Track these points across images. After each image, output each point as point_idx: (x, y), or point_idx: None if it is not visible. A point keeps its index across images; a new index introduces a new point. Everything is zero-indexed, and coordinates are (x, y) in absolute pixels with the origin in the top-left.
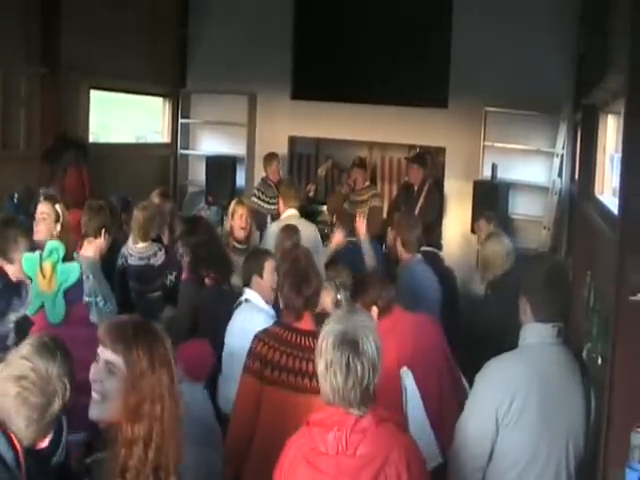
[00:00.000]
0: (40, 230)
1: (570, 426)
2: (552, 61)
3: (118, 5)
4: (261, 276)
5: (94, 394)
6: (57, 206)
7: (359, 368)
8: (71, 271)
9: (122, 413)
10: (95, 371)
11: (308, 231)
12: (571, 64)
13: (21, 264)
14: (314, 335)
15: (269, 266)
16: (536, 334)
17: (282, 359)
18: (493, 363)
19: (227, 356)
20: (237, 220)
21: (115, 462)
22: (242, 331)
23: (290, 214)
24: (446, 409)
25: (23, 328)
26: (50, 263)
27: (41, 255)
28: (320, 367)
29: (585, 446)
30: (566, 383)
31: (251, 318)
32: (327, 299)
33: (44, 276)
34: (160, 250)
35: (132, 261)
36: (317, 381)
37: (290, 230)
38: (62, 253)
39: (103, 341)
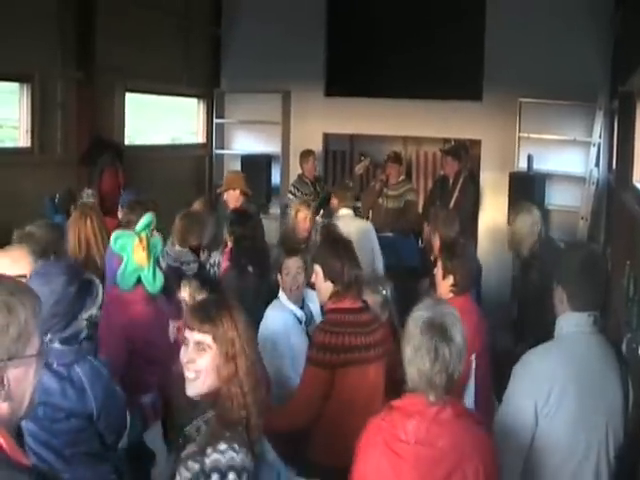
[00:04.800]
0: None
1: (609, 415)
2: (587, 49)
3: (152, 8)
4: (281, 273)
5: (188, 374)
6: None
7: (447, 353)
8: (156, 242)
9: (220, 382)
10: (187, 353)
11: (361, 227)
12: (606, 51)
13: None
14: (364, 310)
15: (288, 264)
16: (573, 323)
17: (347, 340)
18: (531, 355)
19: None
20: (301, 221)
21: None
22: (262, 325)
23: (345, 213)
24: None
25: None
26: (146, 236)
27: (136, 232)
28: (407, 352)
29: (624, 435)
30: (604, 372)
31: (269, 314)
32: (370, 300)
33: (143, 248)
34: (195, 262)
35: (168, 260)
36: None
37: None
38: (154, 224)
39: (190, 324)
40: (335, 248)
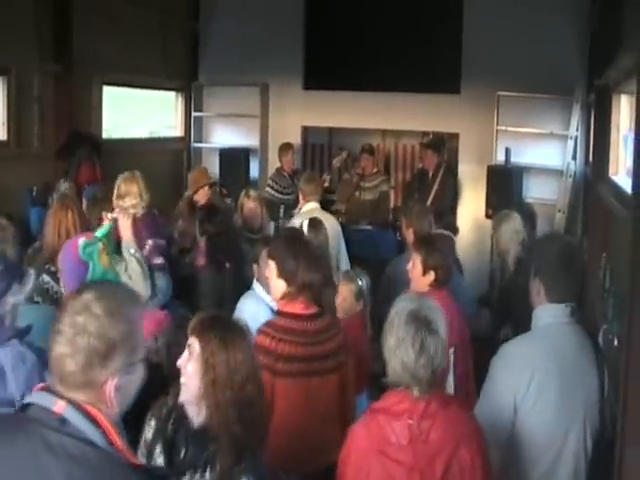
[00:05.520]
0: None
1: (586, 404)
2: (564, 43)
3: (129, 1)
4: (258, 264)
5: (181, 378)
6: None
7: (432, 347)
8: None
9: (203, 390)
10: (182, 359)
11: (329, 223)
12: (583, 45)
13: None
14: (318, 317)
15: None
16: (550, 315)
17: (287, 349)
18: (509, 346)
19: None
20: (247, 213)
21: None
22: (235, 316)
23: (311, 207)
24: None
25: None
26: (106, 240)
27: (99, 238)
28: (390, 343)
29: (600, 424)
30: (581, 362)
31: (242, 305)
32: (346, 288)
33: (107, 253)
34: None
35: None
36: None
37: (317, 225)
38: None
39: (189, 332)
40: (292, 246)
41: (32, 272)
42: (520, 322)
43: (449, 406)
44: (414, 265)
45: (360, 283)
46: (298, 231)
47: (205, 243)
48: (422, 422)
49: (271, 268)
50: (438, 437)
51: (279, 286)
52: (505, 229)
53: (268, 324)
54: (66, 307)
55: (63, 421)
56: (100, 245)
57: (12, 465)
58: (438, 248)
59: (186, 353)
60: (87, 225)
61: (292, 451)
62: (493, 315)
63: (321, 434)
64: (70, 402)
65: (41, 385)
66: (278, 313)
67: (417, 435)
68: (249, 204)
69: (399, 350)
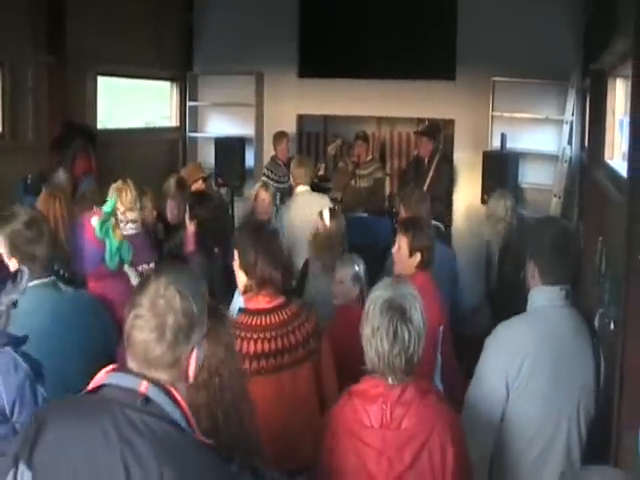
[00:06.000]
0: None
1: (581, 387)
2: (559, 28)
3: None
4: None
5: None
6: None
7: (406, 336)
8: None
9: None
10: None
11: (324, 203)
12: (578, 30)
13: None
14: (283, 307)
15: None
16: (545, 297)
17: (253, 347)
18: (502, 327)
19: None
20: (260, 203)
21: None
22: (231, 307)
23: (301, 190)
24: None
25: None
26: (114, 216)
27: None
28: (366, 332)
29: (595, 408)
30: (576, 344)
31: (237, 297)
32: (343, 272)
33: (118, 227)
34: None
35: None
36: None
37: (335, 214)
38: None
39: None
40: (254, 238)
41: (26, 270)
42: (513, 306)
43: (427, 396)
44: (400, 247)
45: (357, 268)
46: (262, 222)
47: (195, 229)
48: (395, 409)
49: (235, 258)
50: (410, 425)
51: (241, 278)
52: (492, 208)
53: (232, 324)
54: (144, 291)
55: (147, 400)
56: (113, 220)
57: (99, 441)
58: (424, 229)
59: None
60: (75, 216)
61: (271, 450)
62: (493, 308)
63: (300, 428)
64: (153, 382)
65: (113, 367)
66: (242, 310)
67: (388, 421)
68: (264, 195)
69: (374, 340)
